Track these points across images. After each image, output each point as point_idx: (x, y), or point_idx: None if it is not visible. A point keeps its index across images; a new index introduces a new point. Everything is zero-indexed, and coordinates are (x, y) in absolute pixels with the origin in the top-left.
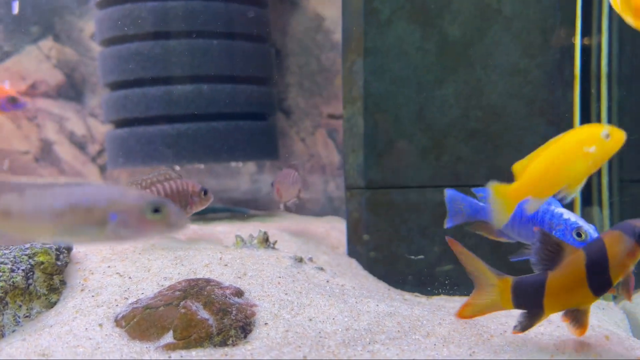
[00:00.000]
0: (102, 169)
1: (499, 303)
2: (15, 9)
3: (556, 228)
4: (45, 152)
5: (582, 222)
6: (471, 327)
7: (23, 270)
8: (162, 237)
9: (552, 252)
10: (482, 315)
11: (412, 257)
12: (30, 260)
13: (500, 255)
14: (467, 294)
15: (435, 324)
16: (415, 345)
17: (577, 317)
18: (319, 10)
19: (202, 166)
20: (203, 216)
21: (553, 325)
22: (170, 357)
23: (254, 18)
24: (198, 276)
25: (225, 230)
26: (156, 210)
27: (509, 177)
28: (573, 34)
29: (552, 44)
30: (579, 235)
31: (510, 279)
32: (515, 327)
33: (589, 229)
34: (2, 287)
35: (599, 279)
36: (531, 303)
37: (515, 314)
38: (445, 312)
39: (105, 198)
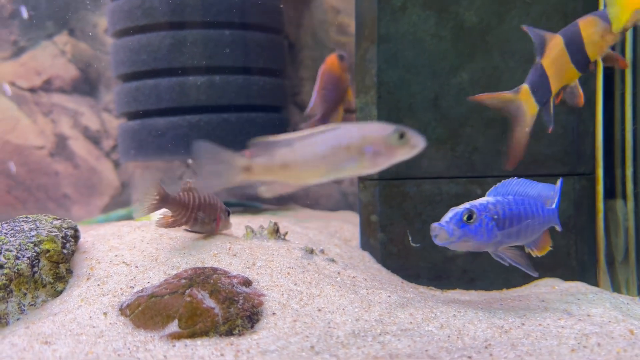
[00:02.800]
0: (116, 163)
1: (528, 113)
2: (25, 13)
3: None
4: (60, 147)
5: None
6: (488, 319)
7: (28, 257)
8: (406, 158)
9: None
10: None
11: (413, 243)
12: (36, 248)
13: None
14: (484, 289)
15: (450, 315)
16: (428, 336)
17: (573, 92)
18: (334, 2)
19: None
20: None
21: (574, 319)
22: (174, 346)
23: (267, 9)
24: (206, 266)
25: (235, 222)
26: (401, 136)
27: (525, 168)
28: None
29: None
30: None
31: (525, 86)
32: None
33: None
34: (6, 274)
35: (578, 55)
36: (544, 89)
37: (534, 308)
38: (460, 305)
39: (358, 135)
